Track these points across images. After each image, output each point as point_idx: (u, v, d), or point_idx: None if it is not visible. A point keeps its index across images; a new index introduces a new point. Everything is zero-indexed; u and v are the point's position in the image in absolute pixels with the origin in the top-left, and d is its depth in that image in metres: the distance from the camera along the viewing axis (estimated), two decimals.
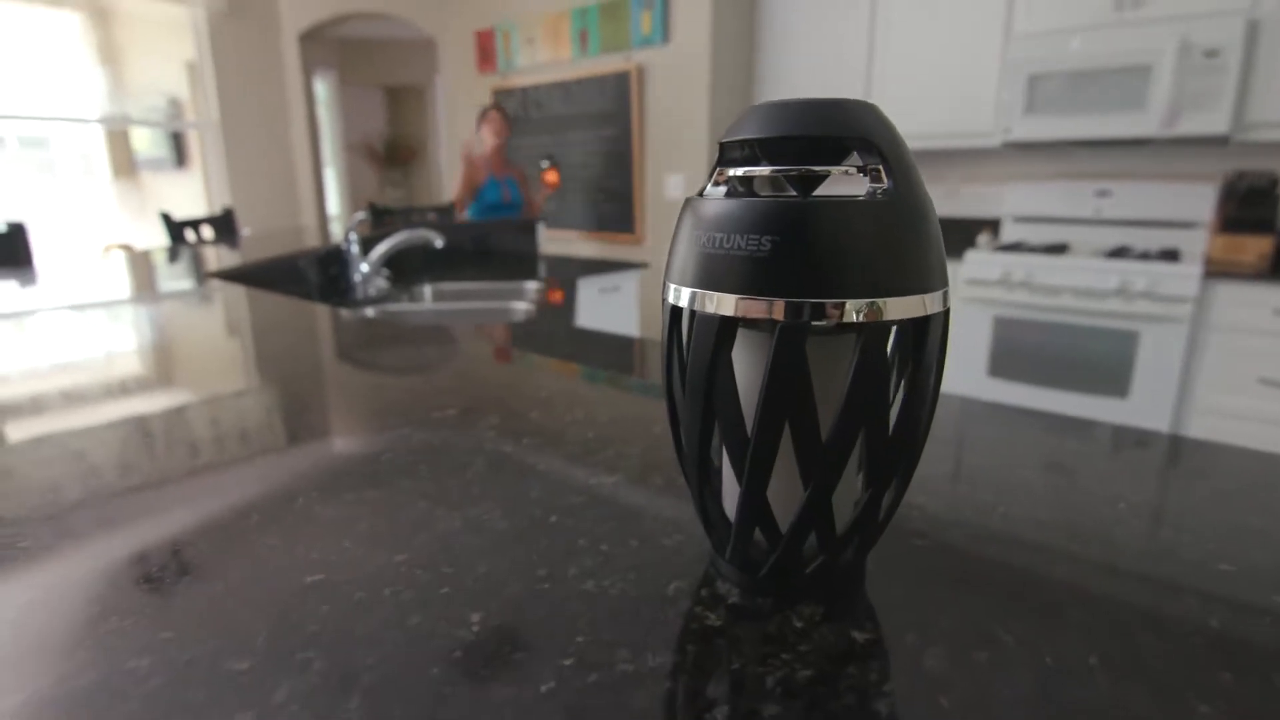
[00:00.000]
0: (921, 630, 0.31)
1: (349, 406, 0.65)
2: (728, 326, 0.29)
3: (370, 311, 2.02)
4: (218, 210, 3.53)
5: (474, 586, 0.34)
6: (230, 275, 1.66)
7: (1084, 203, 2.96)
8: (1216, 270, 2.46)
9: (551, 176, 3.56)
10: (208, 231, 2.96)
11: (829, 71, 3.31)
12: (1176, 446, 0.57)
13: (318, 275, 2.12)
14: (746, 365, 0.32)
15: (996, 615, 0.32)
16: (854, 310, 0.27)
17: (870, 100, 2.65)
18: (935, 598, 0.34)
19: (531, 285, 2.45)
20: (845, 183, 0.31)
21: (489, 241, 3.16)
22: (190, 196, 5.20)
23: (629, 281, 2.86)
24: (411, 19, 4.75)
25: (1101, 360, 2.61)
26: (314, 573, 0.36)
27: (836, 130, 0.29)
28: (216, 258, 2.06)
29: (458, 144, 4.77)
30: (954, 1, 2.96)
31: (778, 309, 0.27)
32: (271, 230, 3.43)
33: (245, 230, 3.53)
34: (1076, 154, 3.02)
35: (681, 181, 3.59)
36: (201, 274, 1.68)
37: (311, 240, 2.22)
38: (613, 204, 3.91)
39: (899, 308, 0.28)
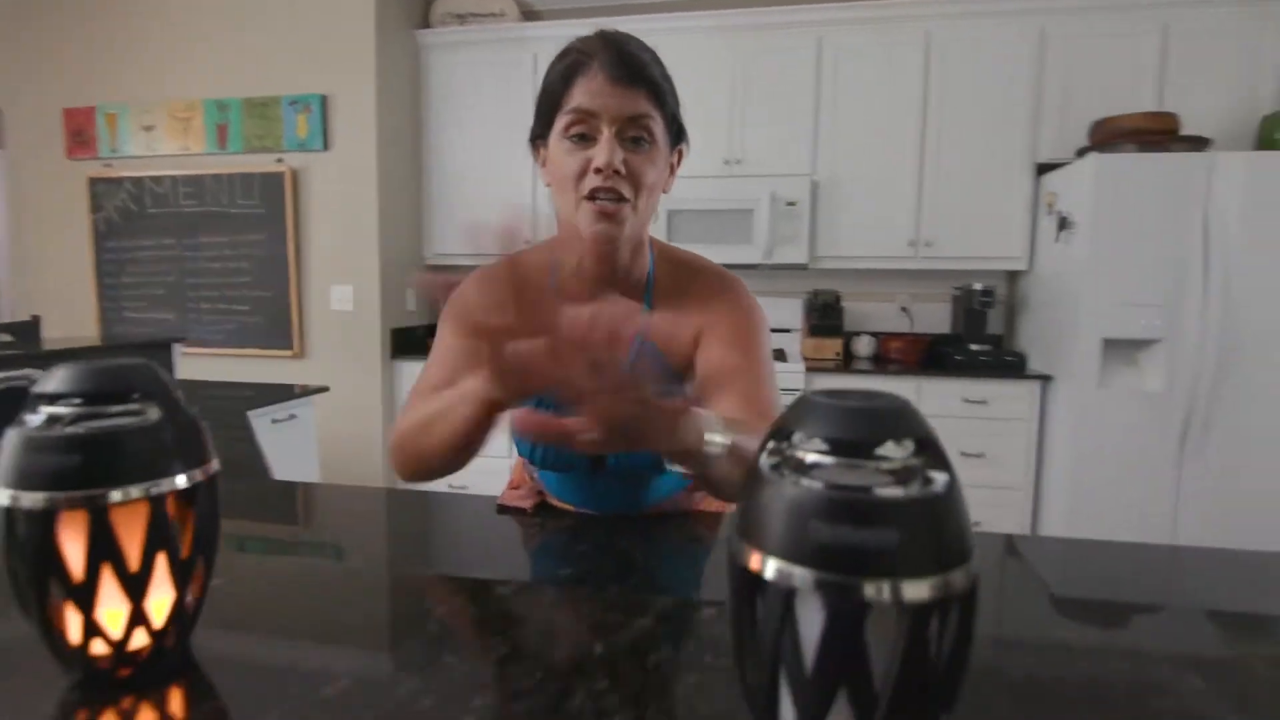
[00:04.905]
0: None
1: None
2: (861, 604, 0.33)
3: None
4: None
5: None
6: None
7: None
8: (812, 365, 3.18)
9: None
10: None
11: (495, 188, 3.50)
12: None
13: None
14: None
15: None
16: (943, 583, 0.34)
17: (537, 213, 2.85)
18: None
19: None
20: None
21: None
22: None
23: (305, 408, 2.57)
24: None
25: None
26: None
27: (905, 433, 0.35)
28: None
29: (27, 244, 3.76)
30: None
31: (909, 590, 0.33)
32: None
33: None
34: None
35: (350, 293, 3.38)
36: None
37: None
38: (263, 316, 3.50)
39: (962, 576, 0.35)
